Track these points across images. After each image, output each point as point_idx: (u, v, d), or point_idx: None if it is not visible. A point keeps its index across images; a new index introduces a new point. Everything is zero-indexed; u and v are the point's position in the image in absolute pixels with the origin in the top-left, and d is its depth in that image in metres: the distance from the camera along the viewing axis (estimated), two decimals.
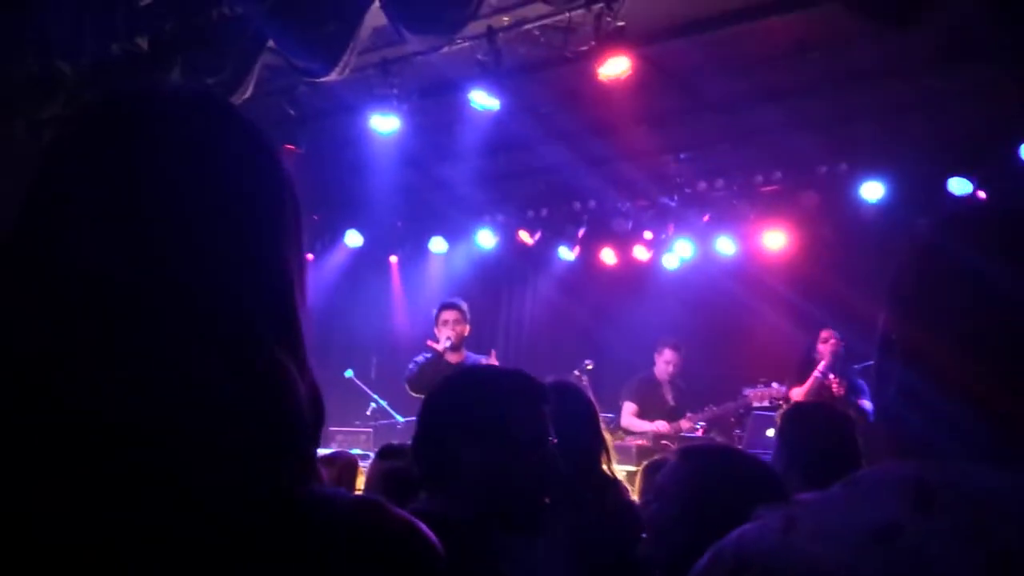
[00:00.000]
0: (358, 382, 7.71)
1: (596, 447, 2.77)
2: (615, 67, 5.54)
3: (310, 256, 9.60)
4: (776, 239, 7.97)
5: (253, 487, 0.69)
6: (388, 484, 2.90)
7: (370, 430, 7.77)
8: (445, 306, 6.08)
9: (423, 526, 0.76)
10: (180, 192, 0.75)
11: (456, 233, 9.25)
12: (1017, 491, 0.81)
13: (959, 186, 6.87)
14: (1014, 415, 0.86)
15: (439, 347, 5.86)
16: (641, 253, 8.69)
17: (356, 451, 6.89)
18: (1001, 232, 0.92)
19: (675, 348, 7.00)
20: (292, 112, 6.82)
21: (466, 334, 6.00)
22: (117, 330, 0.70)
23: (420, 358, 5.94)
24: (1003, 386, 0.87)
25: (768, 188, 7.73)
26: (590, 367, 6.47)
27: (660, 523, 1.84)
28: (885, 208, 7.21)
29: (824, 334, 6.49)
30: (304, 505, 0.71)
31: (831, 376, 6.25)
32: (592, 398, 2.94)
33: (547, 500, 1.73)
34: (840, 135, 7.20)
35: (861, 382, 6.28)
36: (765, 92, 6.58)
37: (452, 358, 5.84)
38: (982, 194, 6.74)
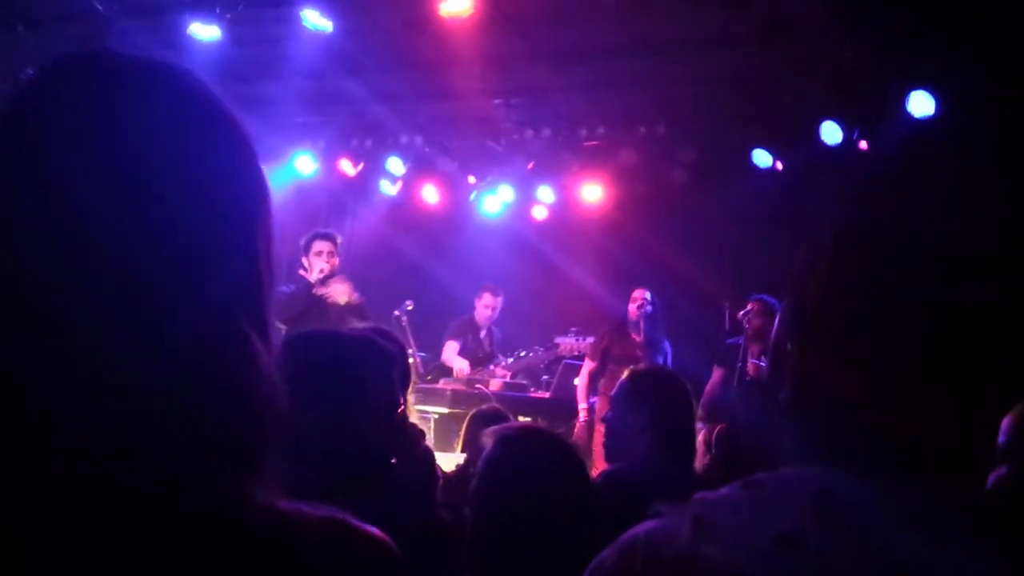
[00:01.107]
0: None
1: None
2: (458, 5, 5.46)
3: None
4: (594, 192, 8.25)
5: (189, 491, 0.62)
6: None
7: None
8: (319, 236, 5.77)
9: (391, 544, 0.72)
10: (149, 166, 0.68)
11: (272, 155, 8.84)
12: (895, 499, 0.88)
13: (761, 157, 7.37)
14: (877, 424, 0.94)
15: (312, 278, 5.59)
16: (463, 194, 8.72)
17: None
18: (896, 250, 1.00)
19: (494, 292, 7.10)
20: (100, 7, 6.20)
21: (337, 267, 5.74)
22: (75, 298, 0.63)
23: (287, 288, 5.58)
24: (872, 396, 0.95)
25: (591, 143, 7.95)
26: (410, 307, 6.45)
27: (479, 503, 1.88)
28: (695, 172, 7.63)
29: (634, 293, 6.70)
30: (255, 522, 0.63)
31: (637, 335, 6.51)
32: (409, 341, 2.95)
33: (393, 462, 1.73)
34: (661, 98, 7.51)
35: (666, 344, 6.59)
36: (595, 48, 6.73)
37: (321, 290, 5.58)
38: (780, 165, 7.28)
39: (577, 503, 1.84)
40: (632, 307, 6.57)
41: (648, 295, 6.61)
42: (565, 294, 7.99)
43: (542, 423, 6.44)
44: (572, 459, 1.95)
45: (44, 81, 0.71)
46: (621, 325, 6.62)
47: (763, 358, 6.11)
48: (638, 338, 6.51)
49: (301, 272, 5.72)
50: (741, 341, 6.30)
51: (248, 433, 0.67)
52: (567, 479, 1.87)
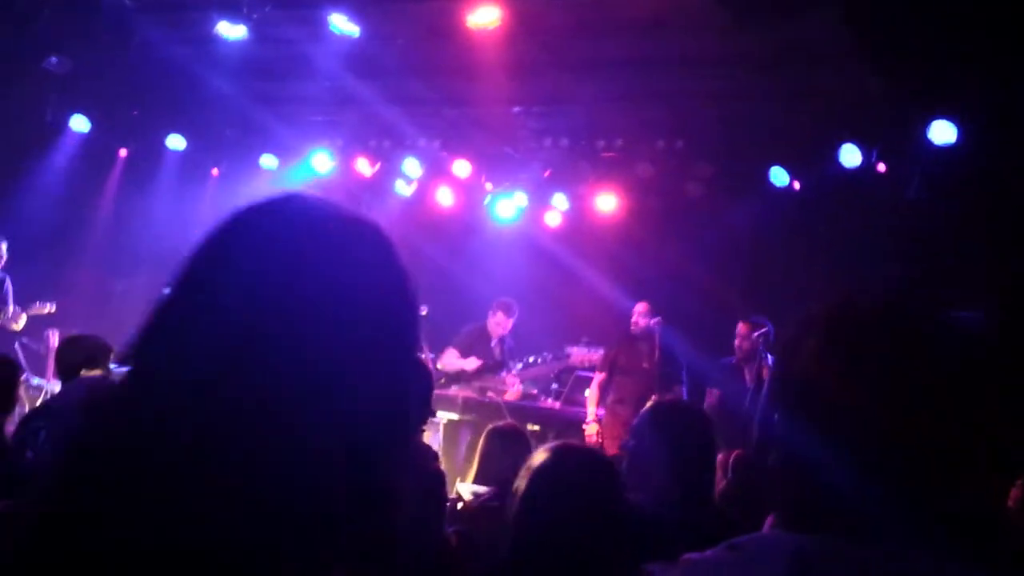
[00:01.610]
0: None
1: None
2: (485, 16, 5.50)
3: (123, 152, 9.08)
4: (608, 202, 8.27)
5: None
6: None
7: None
8: None
9: None
10: (326, 296, 0.75)
11: (290, 152, 8.89)
12: (868, 565, 0.94)
13: (778, 176, 7.39)
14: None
15: None
16: (478, 198, 8.75)
17: None
18: (884, 330, 1.06)
19: (507, 312, 7.04)
20: (128, 2, 6.24)
21: None
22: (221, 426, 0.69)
23: None
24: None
25: (608, 153, 7.98)
26: (424, 312, 6.47)
27: (528, 524, 1.90)
28: (711, 187, 7.66)
29: (635, 307, 6.74)
30: None
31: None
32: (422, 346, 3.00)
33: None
34: (681, 113, 7.53)
35: (681, 361, 6.63)
36: (618, 61, 6.76)
37: None
38: (797, 185, 7.30)
39: (615, 532, 1.87)
40: (632, 320, 6.65)
41: (646, 309, 6.65)
42: (577, 301, 8.02)
43: (550, 434, 6.52)
44: (618, 483, 1.99)
45: (240, 222, 0.79)
46: (628, 336, 6.69)
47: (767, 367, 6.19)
48: (644, 349, 6.56)
49: None
50: (733, 361, 6.38)
51: (378, 545, 0.72)
52: (611, 505, 1.90)
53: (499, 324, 7.07)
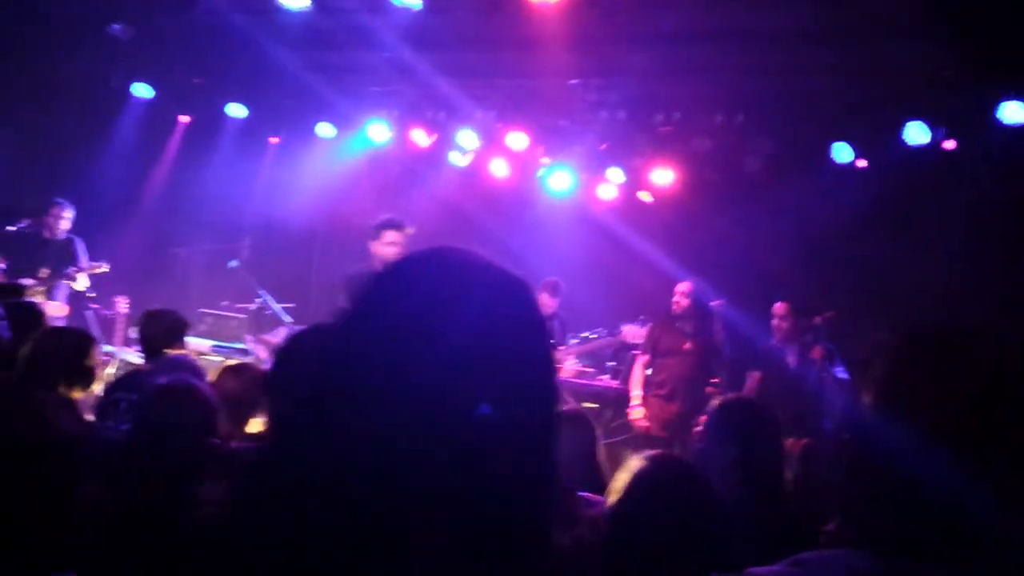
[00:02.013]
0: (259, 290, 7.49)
1: None
2: None
3: (184, 119, 9.24)
4: (664, 176, 8.20)
5: None
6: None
7: (243, 316, 7.61)
8: (393, 225, 5.35)
9: None
10: (484, 344, 0.83)
11: (347, 122, 8.94)
12: None
13: (842, 153, 7.25)
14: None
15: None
16: (533, 170, 8.74)
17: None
18: (947, 362, 1.09)
19: (552, 293, 6.85)
20: None
21: None
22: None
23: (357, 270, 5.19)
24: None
25: (665, 127, 7.90)
26: None
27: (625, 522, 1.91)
28: (771, 162, 7.54)
29: (676, 287, 6.60)
30: None
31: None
32: None
33: None
34: (743, 87, 7.41)
35: (723, 344, 6.56)
36: (680, 34, 6.66)
37: None
38: (862, 163, 7.16)
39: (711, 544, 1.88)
40: (673, 300, 6.53)
41: (690, 289, 6.52)
42: (631, 275, 7.99)
43: (607, 412, 6.54)
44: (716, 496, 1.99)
45: (401, 273, 0.89)
46: (669, 317, 6.58)
47: (816, 348, 6.16)
48: (684, 330, 6.47)
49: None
50: (774, 343, 6.32)
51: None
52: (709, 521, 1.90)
53: (544, 305, 7.00)
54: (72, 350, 3.33)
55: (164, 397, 2.52)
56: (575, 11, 6.22)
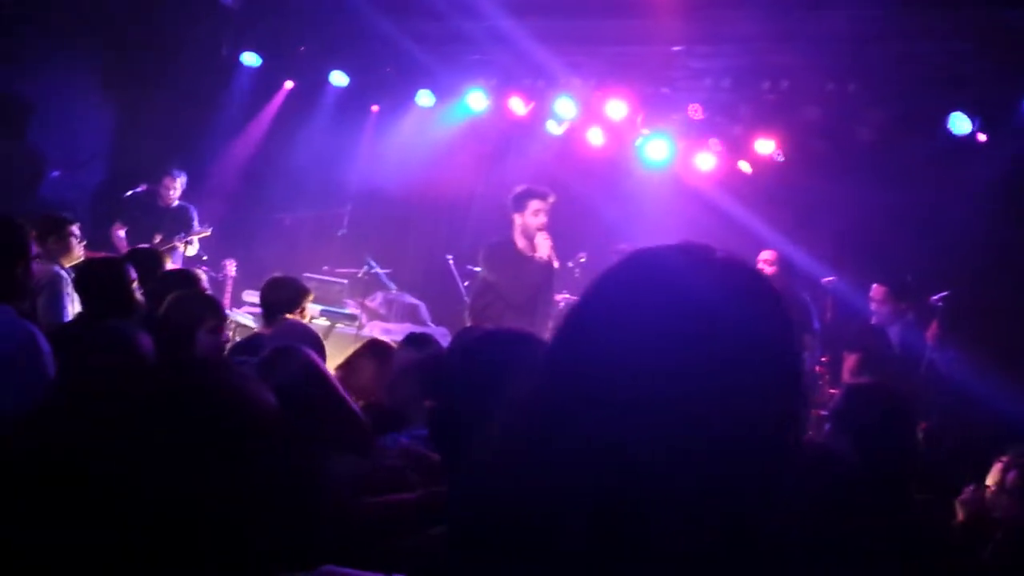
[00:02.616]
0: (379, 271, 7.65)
1: None
2: None
3: (289, 83, 9.45)
4: (767, 146, 7.96)
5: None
6: (425, 375, 2.97)
7: (345, 281, 7.79)
8: (538, 195, 5.30)
9: None
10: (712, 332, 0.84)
11: (446, 91, 8.99)
12: None
13: (960, 124, 6.91)
14: None
15: (519, 242, 5.27)
16: (631, 139, 8.62)
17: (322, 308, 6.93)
18: None
19: None
20: None
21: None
22: None
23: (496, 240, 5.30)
24: None
25: (771, 96, 7.66)
26: (583, 259, 6.50)
27: None
28: (884, 132, 7.25)
29: (760, 255, 6.44)
30: None
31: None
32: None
33: None
34: (854, 54, 7.12)
35: (807, 299, 6.38)
36: (790, 0, 6.44)
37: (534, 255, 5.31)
38: (982, 136, 6.81)
39: None
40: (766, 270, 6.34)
41: (775, 257, 6.34)
42: (727, 246, 7.81)
43: None
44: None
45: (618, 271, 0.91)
46: None
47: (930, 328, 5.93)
48: None
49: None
50: (874, 323, 6.10)
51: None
52: None
53: None
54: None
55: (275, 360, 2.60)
56: None
